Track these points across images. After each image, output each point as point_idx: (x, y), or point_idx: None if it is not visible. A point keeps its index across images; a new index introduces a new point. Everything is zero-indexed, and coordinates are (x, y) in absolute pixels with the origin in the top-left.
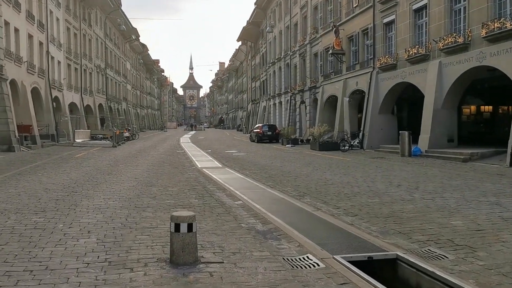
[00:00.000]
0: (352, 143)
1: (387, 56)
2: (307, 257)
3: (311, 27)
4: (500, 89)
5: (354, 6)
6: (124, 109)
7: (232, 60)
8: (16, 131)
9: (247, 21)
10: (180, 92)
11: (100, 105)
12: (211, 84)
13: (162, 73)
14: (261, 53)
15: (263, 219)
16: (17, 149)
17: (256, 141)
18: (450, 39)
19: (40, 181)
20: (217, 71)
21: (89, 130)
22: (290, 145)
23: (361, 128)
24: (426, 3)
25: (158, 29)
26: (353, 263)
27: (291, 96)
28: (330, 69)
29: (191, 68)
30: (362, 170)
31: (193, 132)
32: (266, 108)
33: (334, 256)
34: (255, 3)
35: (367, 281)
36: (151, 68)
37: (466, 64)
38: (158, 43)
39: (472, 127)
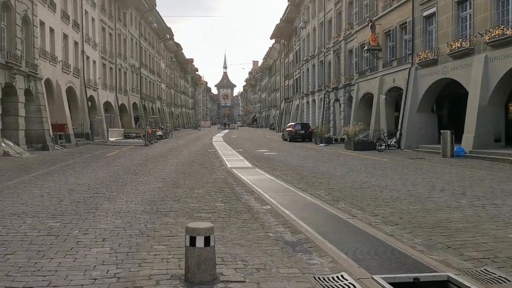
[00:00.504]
0: (389, 143)
1: (427, 51)
2: (342, 276)
3: (346, 22)
4: None
5: None
6: (158, 108)
7: (265, 58)
8: (51, 130)
9: (280, 18)
10: (214, 91)
11: (135, 104)
12: (244, 83)
13: (196, 72)
14: (294, 51)
15: (292, 228)
16: (51, 147)
17: (288, 140)
18: (497, 32)
19: (66, 181)
20: (251, 69)
21: (123, 129)
22: (323, 144)
23: (399, 127)
24: None
25: (192, 28)
26: (396, 285)
27: (324, 94)
28: (365, 66)
29: (225, 67)
30: (401, 172)
31: (226, 131)
32: (299, 106)
33: (373, 276)
34: (288, 0)
35: None
36: (185, 67)
37: None
38: (192, 42)
39: None
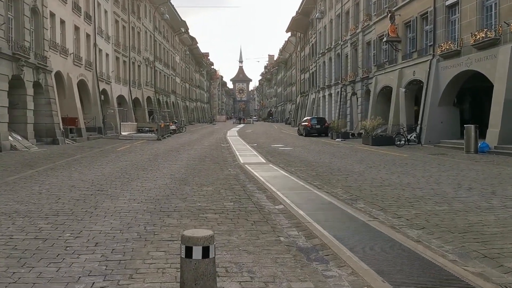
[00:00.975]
0: (408, 138)
1: (449, 42)
2: None
3: (363, 14)
4: None
5: None
6: (172, 102)
7: (281, 52)
8: (61, 124)
9: (296, 11)
10: (230, 85)
11: (149, 98)
12: (260, 77)
13: (212, 67)
14: (310, 44)
15: (307, 231)
16: (61, 141)
17: (304, 134)
18: None
19: (70, 177)
20: (266, 63)
21: (136, 123)
22: (340, 139)
23: (419, 121)
24: None
25: (207, 22)
26: None
27: (341, 88)
28: (384, 58)
29: (240, 61)
30: (423, 168)
31: (241, 125)
32: (315, 100)
33: None
34: None
35: None
36: (201, 61)
37: None
38: (207, 36)
39: None
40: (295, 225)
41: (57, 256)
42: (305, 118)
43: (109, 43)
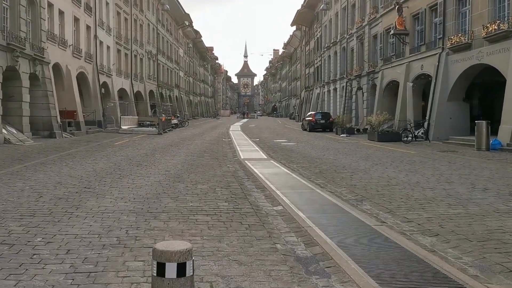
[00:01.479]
0: (416, 134)
1: (460, 35)
2: None
3: (370, 6)
4: None
5: None
6: (176, 96)
7: (286, 46)
8: (59, 117)
9: (302, 4)
10: (235, 80)
11: (151, 92)
12: (265, 72)
13: (216, 61)
14: (315, 38)
15: (307, 237)
16: (58, 135)
17: (308, 129)
18: None
19: (58, 173)
20: (271, 58)
21: (137, 117)
22: (345, 135)
23: (426, 117)
24: None
25: (212, 17)
26: None
27: (347, 82)
28: (391, 52)
29: (245, 56)
30: (432, 166)
31: (245, 120)
32: (319, 95)
33: None
34: None
35: None
36: (205, 55)
37: None
38: (212, 31)
39: None
40: (294, 229)
41: (20, 266)
42: (309, 113)
43: (111, 35)
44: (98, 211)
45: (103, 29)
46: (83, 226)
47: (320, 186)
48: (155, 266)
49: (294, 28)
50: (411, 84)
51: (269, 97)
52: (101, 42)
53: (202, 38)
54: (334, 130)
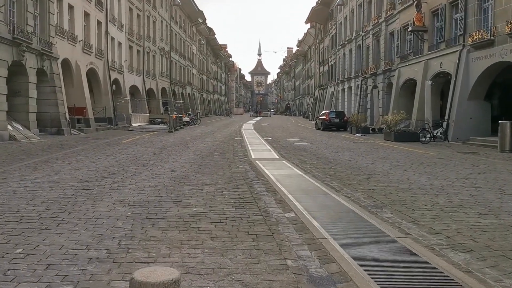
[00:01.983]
0: (434, 134)
1: (482, 31)
2: None
3: (387, 2)
4: None
5: None
6: (188, 93)
7: (300, 44)
8: (67, 114)
9: (316, 1)
10: (248, 78)
11: (163, 89)
12: (278, 70)
13: (230, 59)
14: (330, 35)
15: (322, 252)
16: (66, 132)
17: (321, 128)
18: None
19: (59, 172)
20: (285, 56)
21: (148, 114)
22: (359, 134)
23: (445, 117)
24: None
25: (226, 14)
26: None
27: (362, 81)
28: (408, 50)
29: (259, 54)
30: (455, 169)
31: (258, 119)
32: (333, 93)
33: None
34: None
35: None
36: (218, 53)
37: None
38: (226, 29)
39: None
40: (308, 241)
41: None
42: (323, 112)
43: (122, 31)
44: (92, 216)
45: (115, 25)
46: (71, 234)
47: (336, 190)
48: None
49: (308, 25)
50: (429, 82)
51: (283, 96)
52: (112, 38)
53: (215, 36)
54: (348, 129)
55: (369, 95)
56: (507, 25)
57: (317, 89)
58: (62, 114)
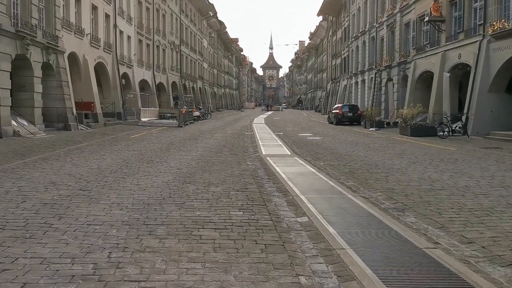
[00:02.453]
0: (453, 128)
1: (503, 21)
2: None
3: None
4: None
5: None
6: (199, 87)
7: (312, 37)
8: (74, 108)
9: None
10: (260, 72)
11: (174, 83)
12: (290, 64)
13: (241, 52)
14: (343, 28)
15: (340, 266)
16: (73, 127)
17: (334, 123)
18: None
19: (58, 170)
20: (297, 50)
21: (157, 109)
22: (374, 129)
23: (465, 110)
24: None
25: (237, 7)
26: None
27: (375, 73)
28: (424, 41)
29: (271, 47)
30: (478, 166)
31: (269, 113)
32: (346, 87)
33: None
34: None
35: None
36: (229, 46)
37: None
38: (237, 23)
39: None
40: (323, 252)
41: None
42: (336, 106)
43: (131, 24)
44: (85, 222)
45: (124, 18)
46: (57, 245)
47: (352, 190)
48: None
49: (320, 18)
50: (448, 74)
51: (294, 89)
52: (121, 32)
53: (226, 29)
54: (362, 123)
55: (383, 88)
56: None
57: (330, 82)
58: (69, 109)
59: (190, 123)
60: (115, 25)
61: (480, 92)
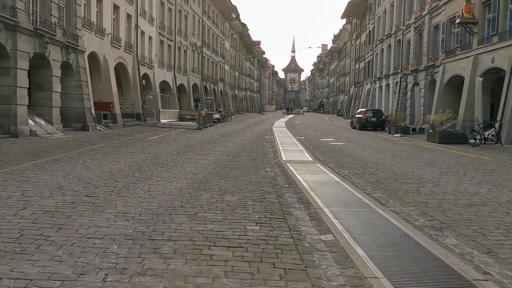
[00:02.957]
0: (485, 136)
1: None
2: None
3: None
4: None
5: None
6: (220, 90)
7: (335, 40)
8: (93, 109)
9: None
10: (281, 75)
11: (195, 85)
12: (312, 67)
13: (263, 55)
14: (367, 31)
15: None
16: (92, 128)
17: (357, 127)
18: None
19: (67, 173)
20: (319, 53)
21: (177, 111)
22: (399, 135)
23: (498, 117)
24: None
25: (260, 9)
26: None
27: (401, 78)
28: (455, 44)
29: (293, 51)
30: None
31: (290, 116)
32: (370, 91)
33: None
34: None
35: None
36: (251, 49)
37: None
38: (259, 25)
39: None
40: (353, 282)
41: None
42: (359, 110)
43: (153, 25)
44: (84, 235)
45: (145, 19)
46: (49, 263)
47: (380, 203)
48: None
49: (344, 21)
50: (481, 78)
51: (316, 93)
52: (142, 32)
53: (249, 32)
54: (386, 129)
55: (408, 93)
56: None
57: (353, 86)
58: (88, 109)
59: (209, 125)
60: (136, 26)
61: None
